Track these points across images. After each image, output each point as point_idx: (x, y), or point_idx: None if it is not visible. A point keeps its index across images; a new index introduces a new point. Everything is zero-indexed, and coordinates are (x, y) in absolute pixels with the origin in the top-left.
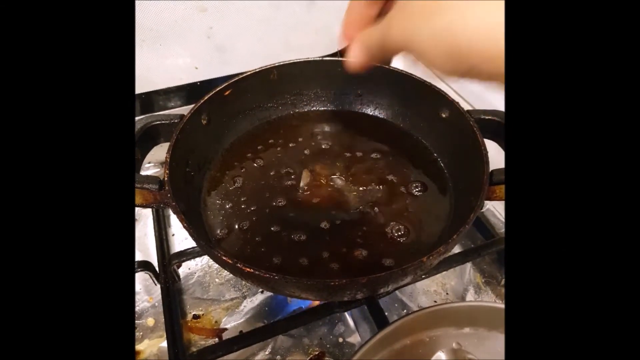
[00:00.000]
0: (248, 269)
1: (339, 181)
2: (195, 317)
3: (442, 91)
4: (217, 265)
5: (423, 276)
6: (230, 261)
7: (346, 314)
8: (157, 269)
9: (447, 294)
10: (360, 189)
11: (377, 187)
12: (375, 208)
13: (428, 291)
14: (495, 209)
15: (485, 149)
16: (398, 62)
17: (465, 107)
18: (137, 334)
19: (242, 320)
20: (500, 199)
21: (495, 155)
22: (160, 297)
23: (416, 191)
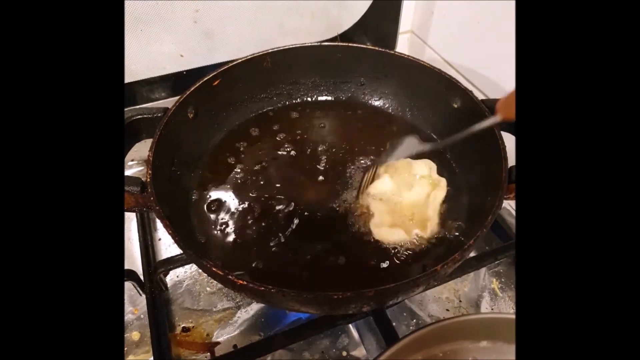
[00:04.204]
0: (241, 282)
1: (339, 178)
2: (185, 329)
3: (454, 79)
4: None
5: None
6: (220, 272)
7: (350, 325)
8: (142, 277)
9: (460, 301)
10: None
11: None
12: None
13: (439, 299)
14: (512, 208)
15: (503, 142)
16: (403, 47)
17: (479, 96)
18: None
19: (235, 332)
20: None
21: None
22: (145, 308)
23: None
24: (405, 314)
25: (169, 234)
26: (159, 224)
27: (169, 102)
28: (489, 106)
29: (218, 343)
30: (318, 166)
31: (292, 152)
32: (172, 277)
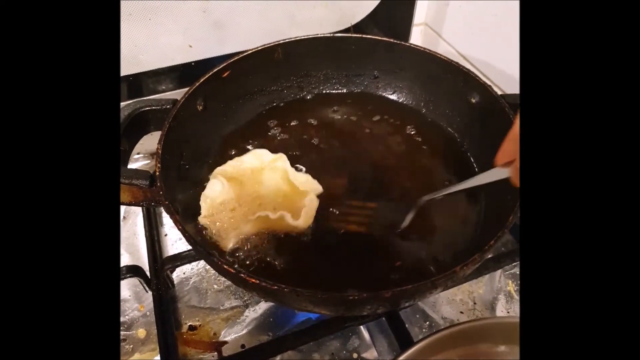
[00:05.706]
0: (253, 280)
1: (350, 176)
2: (192, 328)
3: (472, 72)
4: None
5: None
6: (232, 270)
7: (361, 326)
8: (148, 274)
9: (474, 303)
10: (376, 186)
11: (395, 183)
12: (392, 209)
13: (453, 300)
14: None
15: None
16: (417, 39)
17: (497, 91)
18: (126, 346)
19: (243, 332)
20: None
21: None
22: (152, 305)
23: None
24: (418, 316)
25: (179, 229)
26: (165, 219)
27: (176, 94)
28: (509, 102)
29: (225, 342)
30: (327, 162)
31: (302, 147)
32: (178, 274)
